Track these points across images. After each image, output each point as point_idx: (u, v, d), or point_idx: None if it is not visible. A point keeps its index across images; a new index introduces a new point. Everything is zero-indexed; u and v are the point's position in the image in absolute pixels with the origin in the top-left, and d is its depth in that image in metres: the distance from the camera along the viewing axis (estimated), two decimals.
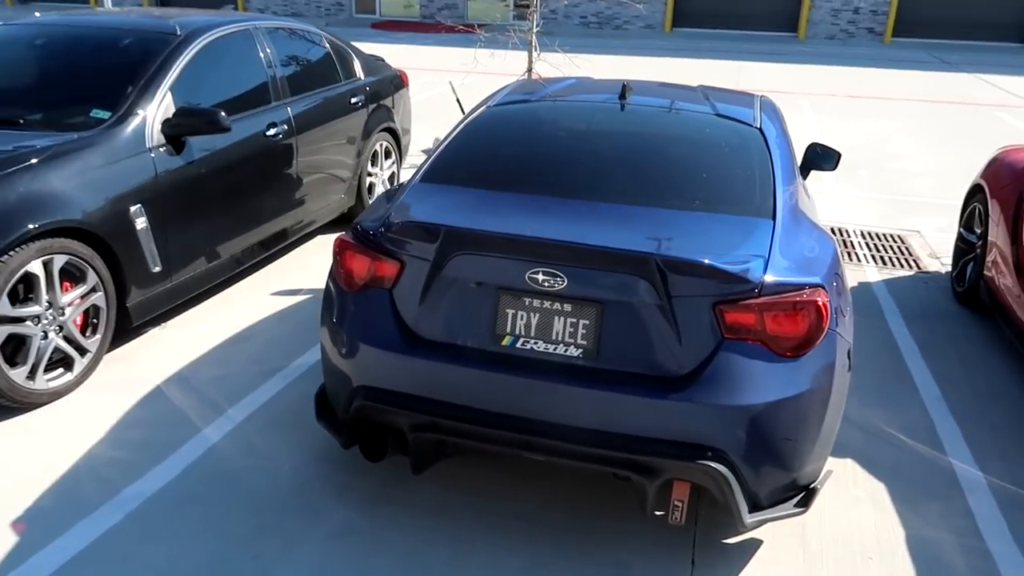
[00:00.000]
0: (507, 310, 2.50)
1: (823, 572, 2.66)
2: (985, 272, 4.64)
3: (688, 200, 2.79)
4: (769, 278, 2.40)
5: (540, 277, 2.43)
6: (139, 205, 3.73)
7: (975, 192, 5.10)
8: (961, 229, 5.23)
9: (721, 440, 2.37)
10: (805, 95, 13.09)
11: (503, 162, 3.06)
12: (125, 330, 3.83)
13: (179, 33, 4.34)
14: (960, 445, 3.45)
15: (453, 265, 2.52)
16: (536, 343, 2.48)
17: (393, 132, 6.26)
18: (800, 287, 2.43)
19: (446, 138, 3.31)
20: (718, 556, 2.69)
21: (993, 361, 4.21)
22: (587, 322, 2.44)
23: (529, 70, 8.09)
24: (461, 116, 8.30)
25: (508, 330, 2.50)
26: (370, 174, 5.92)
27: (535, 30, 8.01)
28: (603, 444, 2.39)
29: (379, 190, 6.07)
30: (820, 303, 2.41)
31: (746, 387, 2.36)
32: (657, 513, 2.83)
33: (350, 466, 3.06)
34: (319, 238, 5.60)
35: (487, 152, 3.15)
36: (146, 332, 4.11)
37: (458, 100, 8.30)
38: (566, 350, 2.46)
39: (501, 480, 3.01)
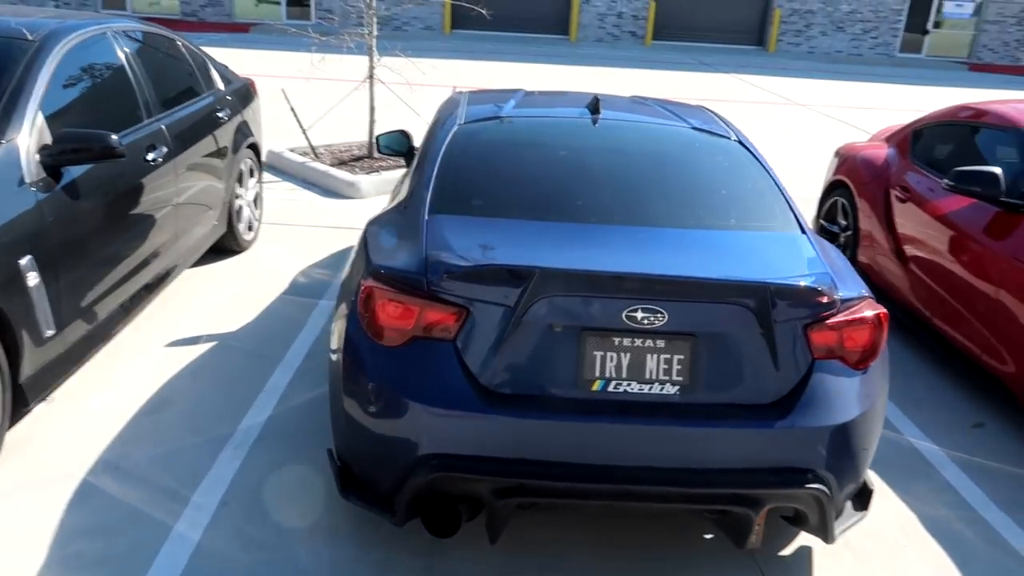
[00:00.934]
0: (594, 352, 2.29)
1: (874, 566, 2.76)
2: (860, 259, 5.13)
3: (725, 219, 2.75)
4: (840, 295, 2.43)
5: (639, 315, 2.25)
6: (29, 256, 2.99)
7: (835, 187, 5.62)
8: (822, 221, 5.74)
9: (817, 461, 2.36)
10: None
11: (523, 188, 2.82)
12: (17, 414, 3.05)
13: (31, 38, 3.54)
14: (907, 424, 3.77)
15: (537, 309, 2.26)
16: (629, 384, 2.31)
17: (256, 148, 5.63)
18: (860, 299, 2.49)
19: (423, 162, 3.01)
20: (783, 568, 2.69)
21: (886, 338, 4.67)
22: (681, 356, 2.31)
23: (371, 76, 7.69)
24: (300, 128, 7.76)
25: (597, 374, 2.30)
26: (237, 196, 5.28)
27: (375, 34, 7.62)
28: (707, 483, 2.28)
29: (246, 214, 5.43)
30: (881, 314, 2.48)
31: (837, 406, 2.38)
32: (707, 536, 2.78)
33: (377, 538, 2.67)
34: (185, 273, 4.88)
35: (495, 177, 2.89)
36: (30, 411, 3.32)
37: (292, 109, 7.69)
38: (661, 388, 2.32)
39: (542, 530, 2.79)
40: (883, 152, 5.27)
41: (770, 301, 2.29)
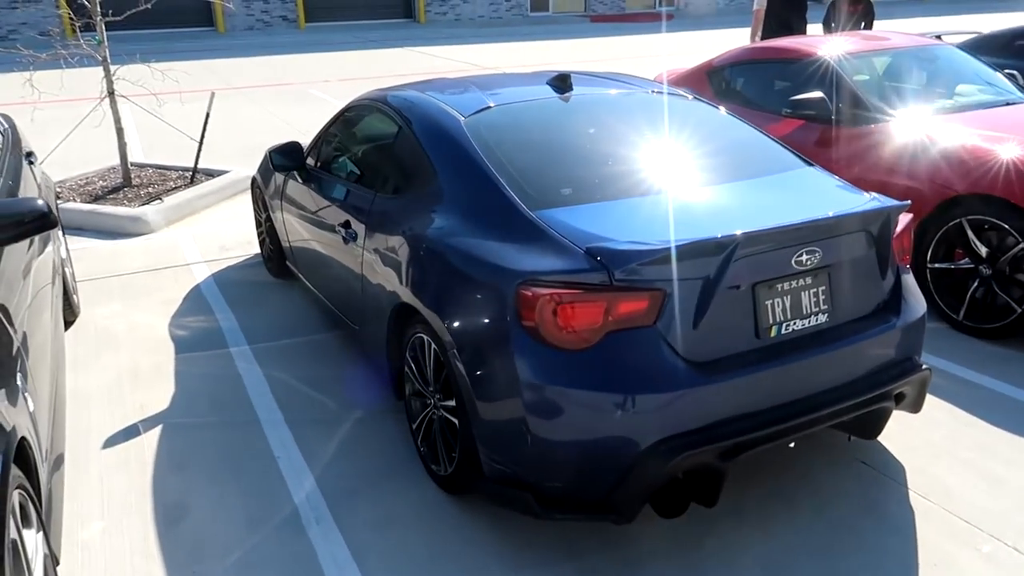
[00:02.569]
0: (765, 302, 2.44)
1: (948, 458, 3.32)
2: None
3: (772, 165, 3.01)
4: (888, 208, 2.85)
5: (804, 258, 2.44)
6: None
7: None
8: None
9: (916, 348, 2.79)
10: (305, 84, 13.27)
11: (591, 170, 2.80)
12: None
13: None
14: None
15: (730, 273, 2.33)
16: (794, 323, 2.50)
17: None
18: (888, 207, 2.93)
19: (445, 162, 2.86)
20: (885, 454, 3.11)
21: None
22: (824, 287, 2.55)
23: (111, 93, 6.60)
24: (198, 147, 6.36)
25: (771, 321, 2.45)
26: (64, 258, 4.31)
27: (104, 42, 6.53)
28: (862, 390, 2.58)
29: (68, 274, 4.46)
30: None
31: (917, 299, 2.82)
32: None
33: (563, 544, 2.56)
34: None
35: (556, 164, 2.82)
36: None
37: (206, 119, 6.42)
38: (816, 319, 2.54)
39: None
40: None
41: (883, 223, 2.63)
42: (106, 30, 6.50)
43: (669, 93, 3.53)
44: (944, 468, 2.99)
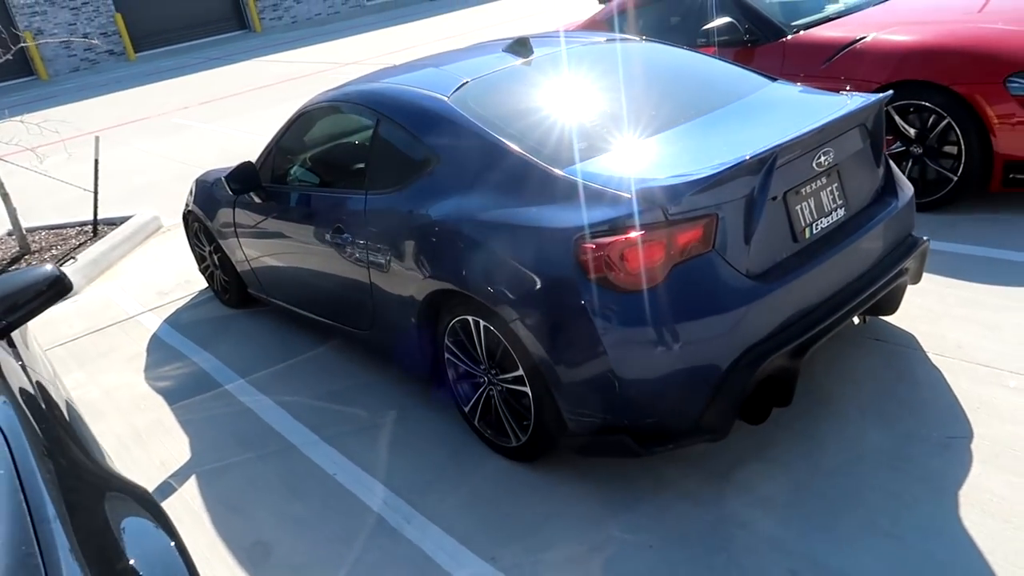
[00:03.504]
0: (795, 208, 2.59)
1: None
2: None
3: (752, 85, 3.16)
4: None
5: (822, 159, 2.61)
6: None
7: None
8: None
9: (913, 224, 3.04)
10: (165, 115, 12.61)
11: (601, 118, 2.87)
12: None
13: None
14: None
15: (768, 187, 2.47)
16: (821, 221, 2.67)
17: None
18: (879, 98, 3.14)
19: (457, 140, 2.86)
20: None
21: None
22: (837, 183, 2.74)
23: None
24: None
25: (804, 223, 2.62)
26: None
27: None
28: (885, 270, 2.81)
29: None
30: None
31: (905, 180, 3.08)
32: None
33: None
34: None
35: (562, 120, 2.87)
36: None
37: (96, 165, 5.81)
38: (836, 214, 2.73)
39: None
40: None
41: (876, 115, 2.83)
42: None
43: (621, 40, 3.64)
44: (947, 327, 3.29)
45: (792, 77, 4.67)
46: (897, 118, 4.30)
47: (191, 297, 5.21)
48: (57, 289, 2.39)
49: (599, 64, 3.30)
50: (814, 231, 2.66)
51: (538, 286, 2.49)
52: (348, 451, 3.22)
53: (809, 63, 4.66)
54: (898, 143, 4.36)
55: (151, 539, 1.68)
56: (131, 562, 1.56)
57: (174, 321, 4.88)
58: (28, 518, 1.54)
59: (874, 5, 5.07)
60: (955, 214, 4.28)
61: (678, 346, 2.36)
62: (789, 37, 4.83)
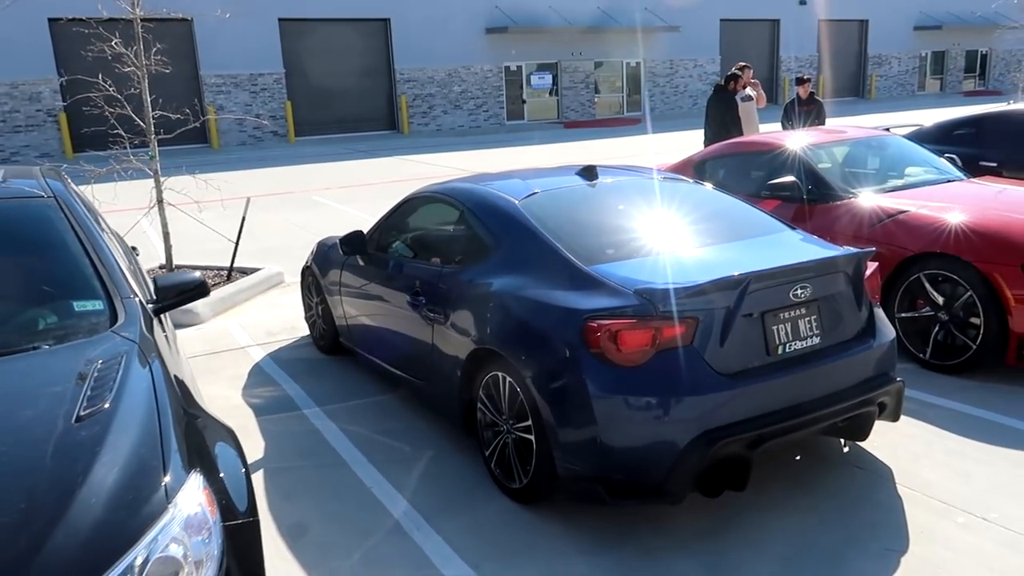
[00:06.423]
0: (772, 327, 3.17)
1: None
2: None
3: (767, 228, 3.81)
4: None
5: (799, 291, 3.19)
6: None
7: None
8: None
9: (891, 365, 3.51)
10: (307, 192, 14.19)
11: (627, 235, 3.58)
12: None
13: (47, 195, 3.32)
14: None
15: (744, 304, 3.07)
16: (795, 343, 3.22)
17: None
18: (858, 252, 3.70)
19: (506, 236, 3.62)
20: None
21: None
22: (816, 316, 3.29)
23: (160, 200, 7.38)
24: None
25: (778, 341, 3.18)
26: None
27: (156, 156, 7.35)
28: (850, 396, 3.28)
29: None
30: None
31: (888, 327, 3.58)
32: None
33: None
34: None
35: (595, 231, 3.59)
36: None
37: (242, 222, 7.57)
38: (811, 340, 3.27)
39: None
40: None
41: (856, 265, 3.40)
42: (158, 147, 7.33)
43: (673, 178, 4.37)
44: (924, 468, 3.67)
45: (841, 236, 5.23)
46: (927, 285, 4.76)
47: (293, 340, 6.10)
48: (200, 290, 3.24)
49: (646, 194, 4.03)
50: (787, 349, 3.20)
51: (550, 353, 3.15)
52: (387, 473, 3.87)
53: (857, 225, 5.21)
54: (927, 308, 4.79)
55: (232, 463, 2.39)
56: (221, 475, 2.27)
57: (275, 356, 5.75)
58: (157, 424, 2.28)
59: (933, 185, 5.61)
60: (971, 379, 4.63)
61: (649, 417, 2.93)
62: (843, 200, 5.42)
